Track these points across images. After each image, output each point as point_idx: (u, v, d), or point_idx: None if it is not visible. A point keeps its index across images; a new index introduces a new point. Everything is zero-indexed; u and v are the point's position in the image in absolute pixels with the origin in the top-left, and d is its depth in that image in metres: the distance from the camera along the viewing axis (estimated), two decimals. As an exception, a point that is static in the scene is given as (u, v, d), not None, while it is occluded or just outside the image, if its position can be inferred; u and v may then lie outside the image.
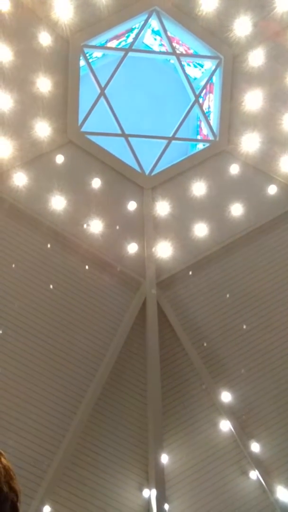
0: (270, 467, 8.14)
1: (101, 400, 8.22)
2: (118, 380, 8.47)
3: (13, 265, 8.46)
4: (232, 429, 8.26)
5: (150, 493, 7.91)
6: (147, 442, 8.20)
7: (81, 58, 9.45)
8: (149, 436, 8.19)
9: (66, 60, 9.34)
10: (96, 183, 9.29)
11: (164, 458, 8.07)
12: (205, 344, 8.68)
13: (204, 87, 10.12)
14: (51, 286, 8.57)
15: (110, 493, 7.84)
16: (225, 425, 8.31)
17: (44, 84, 9.10)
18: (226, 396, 8.46)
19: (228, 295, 9.10)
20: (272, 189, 9.62)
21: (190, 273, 9.20)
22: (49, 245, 8.77)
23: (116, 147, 9.66)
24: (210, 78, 9.95)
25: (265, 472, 8.08)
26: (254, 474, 8.06)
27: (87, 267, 8.90)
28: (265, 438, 8.28)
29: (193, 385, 8.59)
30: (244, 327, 8.92)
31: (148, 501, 7.90)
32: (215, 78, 9.97)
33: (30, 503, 7.36)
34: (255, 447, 8.20)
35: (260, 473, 8.02)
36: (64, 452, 7.72)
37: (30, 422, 7.77)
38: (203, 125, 10.28)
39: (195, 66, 10.67)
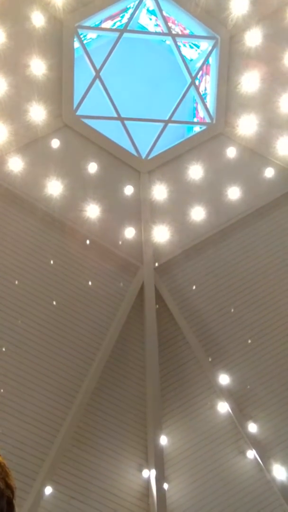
0: (267, 447, 8.30)
1: (101, 383, 8.32)
2: (117, 364, 8.55)
3: (10, 251, 8.45)
4: (230, 411, 8.39)
5: (149, 474, 8.07)
6: (146, 424, 8.33)
7: (75, 39, 9.28)
8: (148, 418, 8.32)
9: (60, 42, 9.17)
10: (92, 167, 9.22)
11: (163, 440, 8.21)
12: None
13: (201, 68, 9.98)
14: (48, 272, 8.58)
15: (110, 473, 7.99)
16: (223, 407, 8.44)
17: (38, 67, 8.95)
18: (224, 379, 8.56)
19: (225, 279, 9.14)
20: (269, 172, 9.58)
21: (188, 257, 9.21)
22: (45, 230, 8.75)
23: (112, 131, 9.57)
24: (207, 59, 9.81)
25: (262, 451, 8.23)
26: (251, 454, 8.22)
27: (84, 252, 8.90)
28: (262, 419, 8.42)
29: (191, 368, 8.68)
30: (242, 310, 8.98)
31: (148, 481, 8.06)
32: (211, 59, 9.82)
33: (32, 484, 7.51)
34: (252, 427, 8.34)
35: (257, 452, 8.18)
36: (65, 434, 7.84)
37: (31, 405, 7.87)
38: (200, 107, 10.17)
39: (191, 47, 10.50)
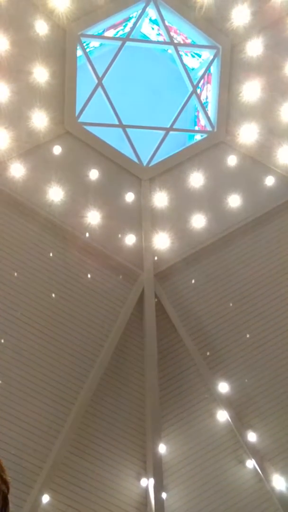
0: (267, 456, 8.23)
1: (100, 390, 8.27)
2: (116, 371, 8.51)
3: (10, 256, 8.45)
4: (229, 419, 8.33)
5: (148, 482, 7.99)
6: (145, 432, 8.27)
7: (78, 47, 9.36)
8: (147, 426, 8.26)
9: (63, 50, 9.25)
10: (93, 174, 9.26)
11: (162, 448, 8.15)
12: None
13: (202, 77, 10.06)
14: (48, 277, 8.57)
15: (109, 482, 7.92)
16: (222, 415, 8.38)
17: (41, 74, 9.02)
18: (223, 387, 8.52)
19: (225, 287, 9.13)
20: (269, 180, 9.62)
21: (188, 264, 9.21)
22: (46, 237, 8.76)
23: (113, 138, 9.61)
24: (208, 68, 9.88)
25: (262, 461, 8.17)
26: (250, 463, 8.15)
27: (84, 258, 8.90)
28: (262, 428, 8.36)
29: (191, 376, 8.64)
30: (242, 318, 8.96)
31: (146, 490, 7.98)
32: (213, 68, 9.90)
33: (29, 492, 7.43)
34: (251, 436, 8.28)
35: (256, 462, 8.12)
36: (63, 442, 7.78)
37: (29, 412, 7.82)
38: (201, 116, 10.23)
39: (192, 56, 10.60)
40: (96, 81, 9.55)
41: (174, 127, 9.79)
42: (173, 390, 8.57)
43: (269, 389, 8.58)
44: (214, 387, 8.49)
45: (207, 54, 10.09)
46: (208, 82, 10.25)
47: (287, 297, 9.14)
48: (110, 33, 10.37)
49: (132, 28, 9.93)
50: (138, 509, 7.90)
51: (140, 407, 8.42)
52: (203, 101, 10.17)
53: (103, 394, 8.31)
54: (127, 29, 10.32)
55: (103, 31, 10.11)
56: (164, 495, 7.91)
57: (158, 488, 7.86)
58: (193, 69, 10.67)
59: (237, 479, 8.13)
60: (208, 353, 8.77)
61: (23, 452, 7.61)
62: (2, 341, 8.00)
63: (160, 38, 10.61)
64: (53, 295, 8.51)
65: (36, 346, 8.17)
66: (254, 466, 8.12)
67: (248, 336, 8.87)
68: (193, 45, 10.10)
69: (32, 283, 8.45)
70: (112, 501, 7.84)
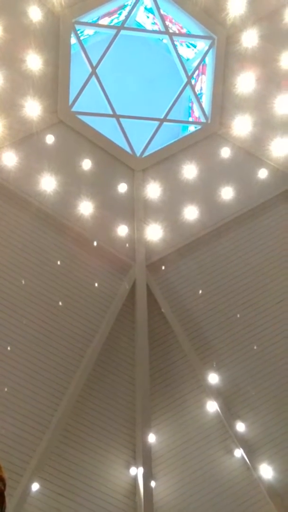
0: (254, 446, 8.35)
1: (90, 380, 8.32)
2: (107, 361, 8.56)
3: (1, 246, 8.41)
4: (219, 410, 8.43)
5: (137, 471, 8.09)
6: (135, 421, 8.35)
7: (72, 35, 9.24)
8: (137, 416, 8.34)
9: (57, 37, 9.13)
10: (86, 164, 9.21)
11: (152, 438, 8.23)
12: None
13: (197, 68, 9.99)
14: (39, 268, 8.56)
15: (98, 470, 8.00)
16: (212, 406, 8.48)
17: (34, 62, 8.90)
18: (213, 378, 8.60)
19: (217, 279, 9.18)
20: (262, 173, 9.63)
21: (180, 256, 9.23)
22: (38, 227, 8.72)
23: (107, 128, 9.55)
24: (203, 59, 9.82)
25: (249, 450, 8.29)
26: (238, 453, 8.27)
27: (76, 249, 8.89)
28: (250, 418, 8.47)
29: (181, 366, 8.71)
30: (232, 310, 9.02)
31: (135, 479, 8.08)
32: (208, 59, 9.84)
33: (19, 480, 7.49)
34: (240, 426, 8.39)
35: (244, 451, 8.23)
36: (53, 431, 7.83)
37: (19, 401, 7.85)
38: (195, 107, 10.19)
39: (187, 46, 10.51)
40: (90, 70, 9.45)
41: (168, 118, 9.74)
42: (163, 381, 8.64)
43: (258, 380, 8.68)
44: (204, 378, 8.57)
45: (202, 45, 10.01)
46: (202, 73, 10.19)
47: (279, 289, 9.21)
48: (105, 21, 10.24)
49: (127, 17, 9.82)
50: (127, 497, 8.00)
51: (130, 397, 8.48)
52: (197, 92, 10.11)
53: (94, 384, 8.35)
54: (122, 18, 10.20)
55: (98, 19, 9.99)
56: (153, 483, 8.02)
57: (147, 477, 7.96)
58: (188, 59, 10.59)
59: (225, 468, 8.25)
60: (198, 344, 8.83)
61: (13, 441, 7.65)
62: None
63: (155, 27, 10.50)
64: (44, 285, 8.50)
65: (27, 336, 8.18)
66: (242, 456, 8.25)
67: (238, 327, 8.94)
68: (188, 35, 10.01)
69: (23, 273, 8.43)
70: (102, 489, 7.93)
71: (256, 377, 8.69)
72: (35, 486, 7.55)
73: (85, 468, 7.93)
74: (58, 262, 8.69)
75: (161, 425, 8.40)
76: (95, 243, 8.96)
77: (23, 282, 8.37)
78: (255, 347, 8.81)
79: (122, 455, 8.18)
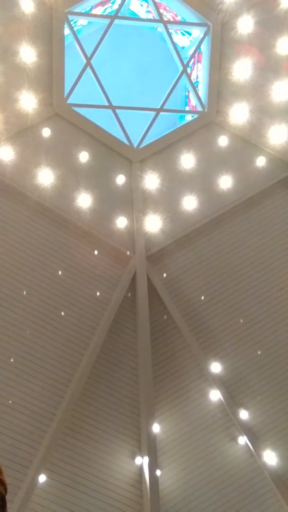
0: (258, 433, 8.42)
1: (93, 372, 8.36)
2: (110, 353, 8.60)
3: (0, 240, 8.41)
4: (222, 398, 8.48)
5: (142, 461, 8.17)
6: (139, 412, 8.41)
7: (65, 26, 9.14)
8: (141, 406, 8.40)
9: (50, 28, 9.03)
10: (83, 156, 9.16)
11: (156, 427, 8.30)
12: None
13: (192, 56, 9.90)
14: (38, 261, 8.56)
15: (104, 461, 8.08)
16: (215, 395, 8.53)
17: (28, 54, 8.82)
18: (215, 367, 8.64)
19: (217, 268, 9.18)
20: (260, 161, 9.58)
21: (180, 246, 9.22)
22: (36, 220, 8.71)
23: (103, 120, 9.48)
24: (198, 46, 9.72)
25: (253, 437, 8.36)
26: (242, 440, 8.34)
27: (75, 242, 8.88)
28: (253, 406, 8.53)
29: (183, 356, 8.75)
30: (233, 299, 9.04)
31: (141, 468, 8.16)
32: (203, 47, 9.73)
33: (26, 472, 7.57)
34: (243, 414, 8.46)
35: (248, 438, 8.30)
36: (58, 423, 7.89)
37: (24, 394, 7.90)
38: (192, 95, 10.10)
39: (183, 34, 10.39)
40: (84, 61, 9.36)
41: (164, 107, 9.66)
42: (166, 371, 8.69)
43: (261, 368, 8.73)
44: (207, 367, 8.61)
45: (197, 32, 9.90)
46: (198, 61, 10.09)
47: (279, 278, 9.21)
48: (98, 10, 10.12)
49: (121, 5, 9.70)
50: (134, 486, 8.09)
51: (134, 387, 8.54)
52: (193, 81, 10.02)
53: (97, 375, 8.40)
54: (116, 6, 10.07)
55: (91, 9, 9.87)
56: (158, 472, 8.10)
57: (152, 466, 8.04)
58: (183, 47, 10.48)
59: (229, 456, 8.33)
60: (200, 334, 8.86)
61: (19, 434, 7.72)
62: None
63: (149, 16, 10.38)
64: (43, 278, 8.51)
65: (30, 329, 8.21)
66: (246, 443, 8.32)
67: (239, 316, 8.96)
68: (183, 22, 9.90)
69: (24, 267, 8.43)
70: (108, 480, 8.01)
71: (259, 365, 8.73)
72: (42, 478, 7.64)
73: (91, 459, 8.01)
74: (58, 256, 8.69)
75: (165, 414, 8.47)
76: (94, 236, 8.95)
77: (22, 276, 8.38)
78: (256, 336, 8.84)
79: (127, 445, 8.26)
